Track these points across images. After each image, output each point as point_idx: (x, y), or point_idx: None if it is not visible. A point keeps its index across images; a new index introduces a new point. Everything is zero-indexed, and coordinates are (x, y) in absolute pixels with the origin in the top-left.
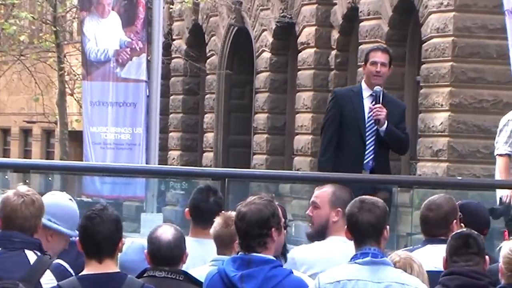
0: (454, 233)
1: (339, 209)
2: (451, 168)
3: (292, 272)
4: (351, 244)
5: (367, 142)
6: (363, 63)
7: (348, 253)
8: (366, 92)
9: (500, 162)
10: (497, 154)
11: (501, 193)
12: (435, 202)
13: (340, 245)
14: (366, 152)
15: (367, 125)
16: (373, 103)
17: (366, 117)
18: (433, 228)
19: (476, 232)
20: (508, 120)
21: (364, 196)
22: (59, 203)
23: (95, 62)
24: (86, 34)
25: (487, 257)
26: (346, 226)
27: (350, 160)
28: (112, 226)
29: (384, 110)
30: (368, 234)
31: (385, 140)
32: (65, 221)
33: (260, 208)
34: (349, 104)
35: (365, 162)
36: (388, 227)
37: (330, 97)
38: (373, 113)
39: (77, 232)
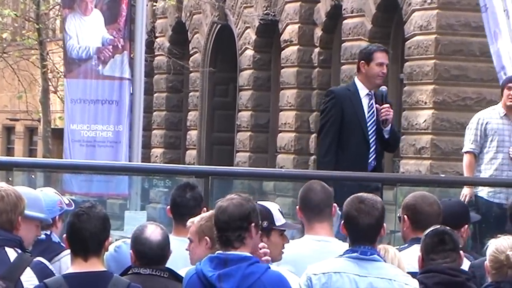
0: (428, 230)
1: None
2: (434, 166)
3: (270, 267)
4: (324, 243)
5: (370, 142)
6: (361, 61)
7: (322, 251)
8: (362, 91)
9: (465, 160)
10: (463, 152)
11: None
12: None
13: (312, 243)
14: (370, 152)
15: (368, 125)
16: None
17: (366, 117)
18: None
19: (449, 228)
20: (479, 119)
21: (363, 195)
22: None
23: (76, 59)
24: (68, 32)
25: (461, 252)
26: (342, 222)
27: (353, 160)
28: (99, 224)
29: (392, 110)
30: (364, 237)
31: (386, 140)
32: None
33: (242, 202)
34: (349, 104)
35: (368, 162)
36: (385, 225)
37: (327, 96)
38: (382, 113)
39: (41, 215)
